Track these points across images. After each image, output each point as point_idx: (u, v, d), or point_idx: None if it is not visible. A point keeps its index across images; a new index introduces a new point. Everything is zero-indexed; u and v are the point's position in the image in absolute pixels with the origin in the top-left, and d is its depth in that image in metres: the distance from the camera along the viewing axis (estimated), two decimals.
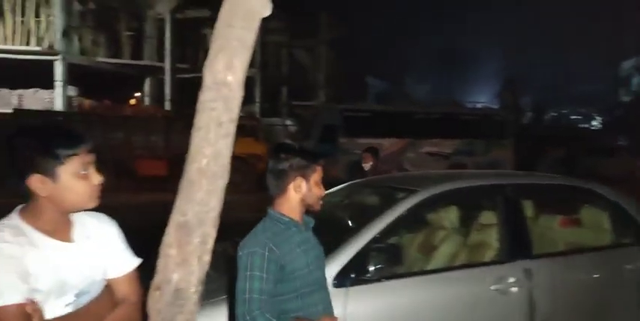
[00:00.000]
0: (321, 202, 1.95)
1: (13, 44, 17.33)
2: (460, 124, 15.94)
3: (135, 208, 8.20)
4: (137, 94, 22.22)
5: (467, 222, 3.36)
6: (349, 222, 3.23)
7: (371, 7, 26.83)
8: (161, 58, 20.42)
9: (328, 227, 3.22)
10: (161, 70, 20.14)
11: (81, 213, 1.51)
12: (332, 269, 2.44)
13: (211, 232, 1.51)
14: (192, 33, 21.85)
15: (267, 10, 1.56)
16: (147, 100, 21.57)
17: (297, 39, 26.40)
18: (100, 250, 1.50)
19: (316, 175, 1.91)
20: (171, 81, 19.84)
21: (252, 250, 1.77)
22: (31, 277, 1.33)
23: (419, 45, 28.41)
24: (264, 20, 1.60)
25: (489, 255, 3.04)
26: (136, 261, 1.58)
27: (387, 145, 14.37)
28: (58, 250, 1.41)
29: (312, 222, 1.99)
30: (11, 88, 16.98)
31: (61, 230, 1.44)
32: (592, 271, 3.14)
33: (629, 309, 3.13)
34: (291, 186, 1.87)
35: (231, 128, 1.50)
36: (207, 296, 1.83)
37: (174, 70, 19.97)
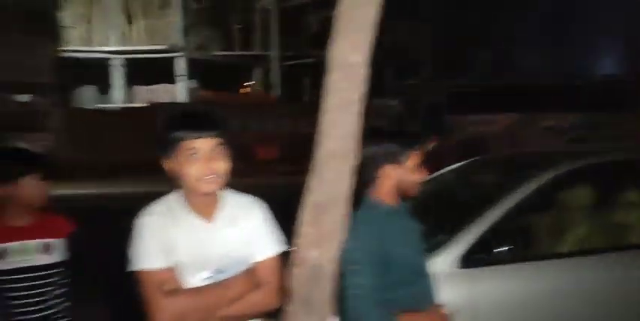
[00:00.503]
0: (419, 187, 1.85)
1: (142, 45, 19.09)
2: (580, 96, 14.66)
3: (254, 189, 8.65)
4: (250, 83, 23.34)
5: (603, 202, 3.09)
6: (475, 201, 3.12)
7: None
8: (268, 48, 21.19)
9: (452, 206, 3.15)
10: (269, 58, 20.92)
11: (235, 195, 1.62)
12: (458, 249, 2.38)
13: (344, 212, 1.54)
14: (295, 21, 22.35)
15: None
16: (258, 88, 22.59)
17: (398, 16, 25.78)
18: (243, 232, 1.57)
19: (411, 161, 1.80)
20: (279, 68, 20.53)
21: (353, 243, 1.70)
22: (174, 248, 1.48)
23: (529, 10, 26.29)
24: None
25: (632, 237, 2.78)
26: (281, 247, 1.62)
27: (499, 120, 13.67)
28: (199, 228, 1.53)
29: (405, 207, 1.90)
30: (145, 84, 18.79)
31: (206, 210, 1.55)
32: None
33: None
34: (382, 173, 1.79)
35: (359, 107, 1.51)
36: None
37: (281, 59, 20.62)
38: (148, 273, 1.45)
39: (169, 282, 1.45)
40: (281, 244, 1.62)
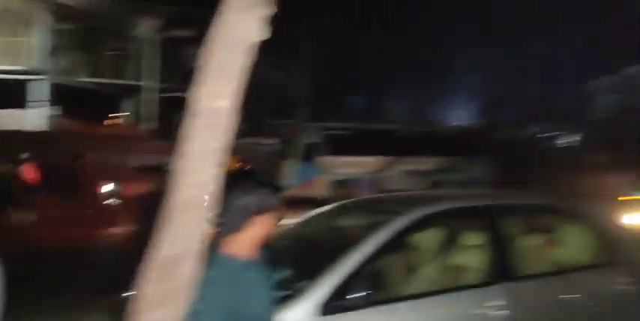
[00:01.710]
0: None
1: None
2: (440, 142, 16.14)
3: None
4: (120, 114, 22.03)
5: (451, 244, 3.35)
6: (334, 245, 3.19)
7: (352, 26, 27.02)
8: (141, 78, 20.35)
9: (317, 250, 3.18)
10: (142, 89, 20.04)
11: None
12: (317, 297, 2.39)
13: (195, 266, 1.45)
14: (174, 52, 21.84)
15: (262, 35, 1.54)
16: (127, 120, 21.39)
17: (276, 56, 26.41)
18: None
19: (278, 209, 1.76)
20: (151, 100, 19.73)
21: (202, 305, 1.58)
22: None
23: (399, 63, 28.69)
24: None
25: (473, 277, 3.02)
26: None
27: (371, 163, 14.44)
28: None
29: (264, 255, 1.83)
30: None
31: None
32: (575, 292, 3.15)
33: None
34: (250, 223, 1.68)
35: (220, 157, 1.46)
36: None
37: (155, 90, 19.89)
38: None
39: None
40: None
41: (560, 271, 3.30)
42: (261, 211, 1.70)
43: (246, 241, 1.71)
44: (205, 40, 1.51)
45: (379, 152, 14.95)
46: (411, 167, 15.21)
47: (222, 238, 1.69)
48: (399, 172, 15.01)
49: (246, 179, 1.77)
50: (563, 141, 33.32)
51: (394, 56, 29.34)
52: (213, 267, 1.64)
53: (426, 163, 15.48)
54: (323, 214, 3.53)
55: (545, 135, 34.05)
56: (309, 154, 14.31)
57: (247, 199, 1.68)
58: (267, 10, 1.45)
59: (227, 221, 1.67)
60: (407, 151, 15.24)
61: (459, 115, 33.07)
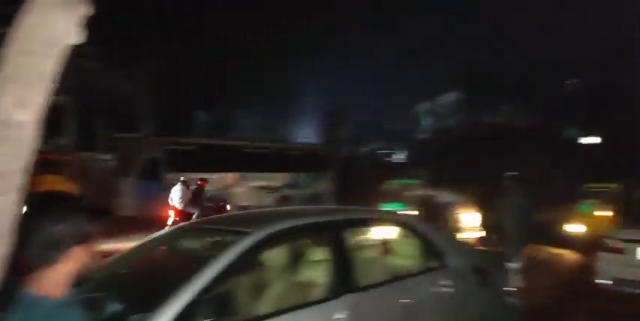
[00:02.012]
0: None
1: None
2: (287, 159, 16.49)
3: None
4: None
5: (298, 261, 3.36)
6: (175, 272, 2.97)
7: (201, 40, 26.56)
8: None
9: (149, 279, 2.91)
10: None
11: None
12: None
13: None
14: None
15: (75, 38, 1.33)
16: None
17: (119, 67, 24.69)
18: None
19: (93, 237, 1.54)
20: None
21: None
22: None
23: (248, 79, 28.85)
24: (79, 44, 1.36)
25: (320, 292, 3.05)
26: None
27: (218, 179, 14.14)
28: None
29: (79, 292, 1.60)
30: None
31: None
32: (409, 296, 3.37)
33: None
34: (67, 255, 1.46)
35: (19, 180, 1.22)
36: None
37: None
38: None
39: None
40: None
41: (397, 279, 3.50)
42: (75, 241, 1.47)
43: (58, 277, 1.46)
44: (7, 42, 1.26)
45: (228, 168, 14.71)
46: (259, 183, 15.25)
47: (28, 275, 1.41)
48: (248, 189, 14.94)
49: (58, 204, 1.51)
50: (396, 157, 36.67)
51: (244, 71, 29.45)
52: (19, 311, 1.36)
53: (275, 179, 15.66)
54: (162, 237, 3.27)
55: (380, 152, 37.17)
56: (152, 171, 13.46)
57: (58, 228, 1.44)
58: (83, 10, 1.26)
59: (34, 255, 1.41)
60: (256, 167, 15.26)
61: (305, 132, 34.40)
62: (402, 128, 39.10)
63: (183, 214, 10.00)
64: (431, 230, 3.93)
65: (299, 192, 15.97)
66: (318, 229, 3.34)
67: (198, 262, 2.63)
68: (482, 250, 5.37)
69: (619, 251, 6.25)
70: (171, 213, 10.21)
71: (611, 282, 6.31)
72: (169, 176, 13.41)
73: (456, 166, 20.77)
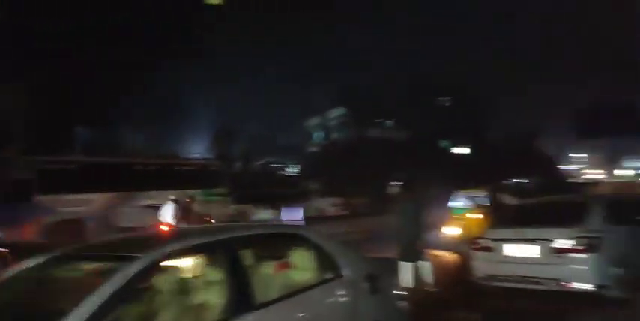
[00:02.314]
0: None
1: None
2: (177, 175, 15.89)
3: None
4: None
5: (190, 283, 3.23)
6: (47, 306, 2.69)
7: (78, 53, 24.94)
8: None
9: (17, 316, 2.63)
10: None
11: None
12: None
13: None
14: None
15: None
16: None
17: None
18: None
19: None
20: None
21: None
22: None
23: (136, 93, 27.52)
24: None
25: (214, 314, 2.95)
26: None
27: (98, 200, 13.23)
28: None
29: None
30: None
31: None
32: (308, 308, 3.38)
33: None
34: None
35: None
36: None
37: None
38: None
39: None
40: None
41: (295, 293, 3.50)
42: None
43: None
44: None
45: (114, 187, 13.80)
46: (146, 202, 14.48)
47: None
48: (133, 209, 14.07)
49: None
50: (289, 171, 37.05)
51: (130, 88, 28.13)
52: None
53: (162, 198, 14.96)
54: (32, 267, 2.96)
55: (274, 166, 37.38)
56: (21, 192, 12.18)
57: None
58: None
59: None
60: (144, 185, 14.48)
61: (196, 148, 33.55)
62: (294, 142, 39.71)
63: None
64: (325, 241, 3.99)
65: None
66: (210, 248, 3.24)
67: (78, 293, 2.41)
68: (373, 257, 5.57)
69: (489, 249, 6.88)
70: (166, 228, 10.18)
71: (485, 278, 6.91)
72: (41, 198, 12.25)
73: (345, 177, 21.60)
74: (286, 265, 3.87)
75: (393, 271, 4.63)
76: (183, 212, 10.94)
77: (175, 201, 10.96)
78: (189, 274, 3.27)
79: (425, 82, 38.21)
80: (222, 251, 3.16)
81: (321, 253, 3.81)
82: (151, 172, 15.28)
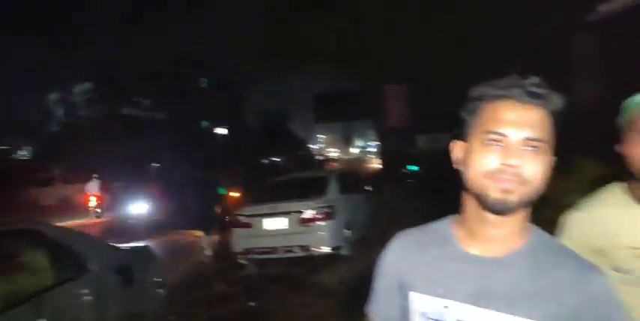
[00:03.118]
0: None
1: None
2: None
3: None
4: None
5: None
6: None
7: None
8: None
9: None
10: None
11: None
12: None
13: None
14: None
15: None
16: None
17: None
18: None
19: None
20: None
21: None
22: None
23: None
24: None
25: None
26: None
27: None
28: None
29: None
30: None
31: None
32: (47, 314, 2.94)
33: None
34: None
35: None
36: None
37: None
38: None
39: None
40: None
41: (31, 297, 3.00)
42: None
43: None
44: None
45: None
46: None
47: None
48: None
49: None
50: (21, 153, 31.95)
51: None
52: None
53: None
54: None
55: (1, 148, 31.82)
56: None
57: None
58: None
59: None
60: None
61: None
62: (29, 120, 34.36)
63: None
64: (66, 236, 3.53)
65: None
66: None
67: None
68: (128, 247, 5.21)
69: (247, 225, 7.27)
70: None
71: (242, 252, 7.34)
72: None
73: (93, 159, 19.63)
74: (13, 268, 3.28)
75: (152, 258, 4.43)
76: None
77: None
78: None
79: (185, 62, 37.37)
80: None
81: (62, 249, 3.36)
82: None
